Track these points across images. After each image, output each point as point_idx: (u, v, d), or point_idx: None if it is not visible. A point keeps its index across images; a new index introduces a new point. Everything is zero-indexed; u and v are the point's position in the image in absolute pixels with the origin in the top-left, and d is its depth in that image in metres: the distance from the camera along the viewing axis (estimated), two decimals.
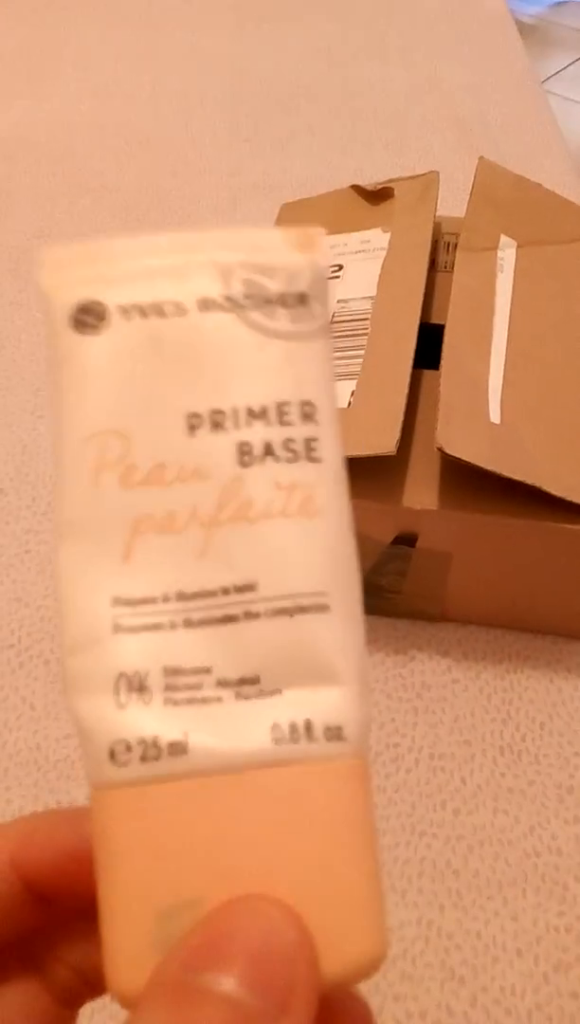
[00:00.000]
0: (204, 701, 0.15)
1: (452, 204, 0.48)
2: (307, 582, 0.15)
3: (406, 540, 0.37)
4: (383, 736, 0.38)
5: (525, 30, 0.92)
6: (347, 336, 0.40)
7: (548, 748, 0.37)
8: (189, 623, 0.15)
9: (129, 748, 0.14)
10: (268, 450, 0.15)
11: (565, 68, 1.12)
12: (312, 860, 0.14)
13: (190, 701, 0.15)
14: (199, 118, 0.77)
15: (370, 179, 0.49)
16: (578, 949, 0.32)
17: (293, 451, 0.15)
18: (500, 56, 0.85)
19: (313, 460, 0.15)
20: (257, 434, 0.15)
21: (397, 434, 0.34)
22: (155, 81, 0.81)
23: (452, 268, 0.43)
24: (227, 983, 0.12)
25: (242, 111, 0.77)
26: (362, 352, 0.39)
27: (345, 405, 0.37)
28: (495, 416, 0.36)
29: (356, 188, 0.49)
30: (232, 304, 0.16)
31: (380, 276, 0.43)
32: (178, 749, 0.14)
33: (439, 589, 0.39)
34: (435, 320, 0.42)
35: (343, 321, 0.41)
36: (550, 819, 0.35)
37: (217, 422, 0.15)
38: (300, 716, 0.15)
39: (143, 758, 0.14)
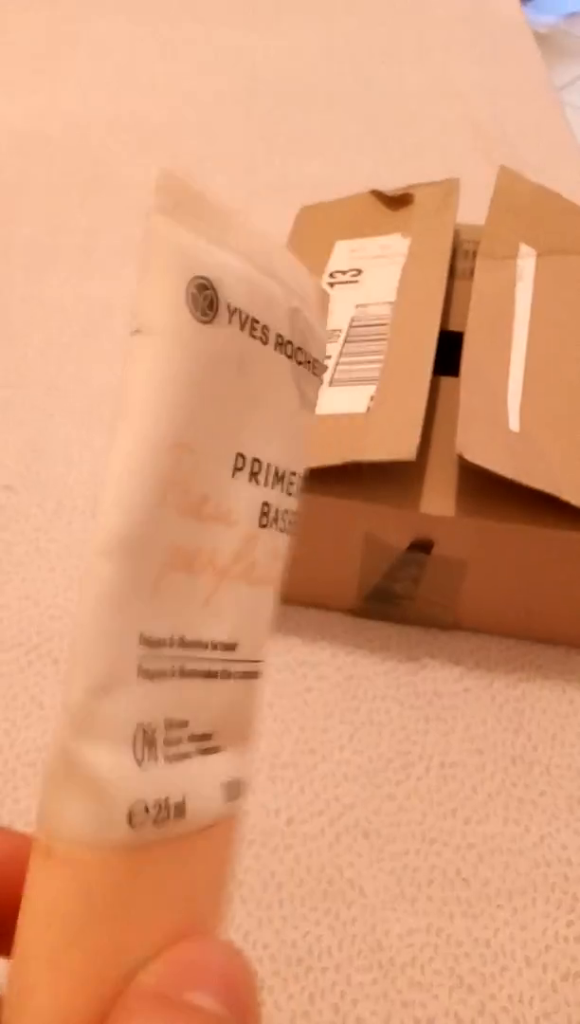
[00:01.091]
0: (185, 756, 0.14)
1: (467, 209, 0.47)
2: (262, 650, 0.16)
3: (422, 546, 0.37)
4: (394, 743, 0.38)
5: (538, 40, 0.92)
6: (366, 341, 0.40)
7: (559, 759, 0.37)
8: (183, 673, 0.14)
9: (147, 810, 0.13)
10: (276, 516, 0.16)
11: (579, 78, 1.12)
12: (207, 909, 0.15)
13: (177, 757, 0.14)
14: (214, 115, 0.76)
15: (385, 181, 0.49)
16: None
17: (288, 523, 0.16)
18: (516, 63, 0.85)
19: (290, 533, 0.16)
20: (275, 498, 0.15)
21: (417, 440, 0.34)
22: (170, 76, 0.81)
23: (470, 275, 0.43)
24: (208, 1001, 0.13)
25: (257, 109, 0.77)
26: (381, 357, 0.39)
27: (363, 410, 0.37)
28: (514, 424, 0.36)
29: (376, 193, 0.48)
30: (292, 354, 0.15)
31: (400, 282, 0.42)
32: (180, 811, 0.14)
33: (453, 597, 0.39)
34: (453, 327, 0.42)
35: (362, 326, 0.41)
36: (560, 830, 0.35)
37: (254, 472, 0.15)
38: (235, 774, 0.15)
39: (156, 821, 0.13)
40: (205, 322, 0.13)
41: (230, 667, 0.15)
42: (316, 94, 0.79)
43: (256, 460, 0.15)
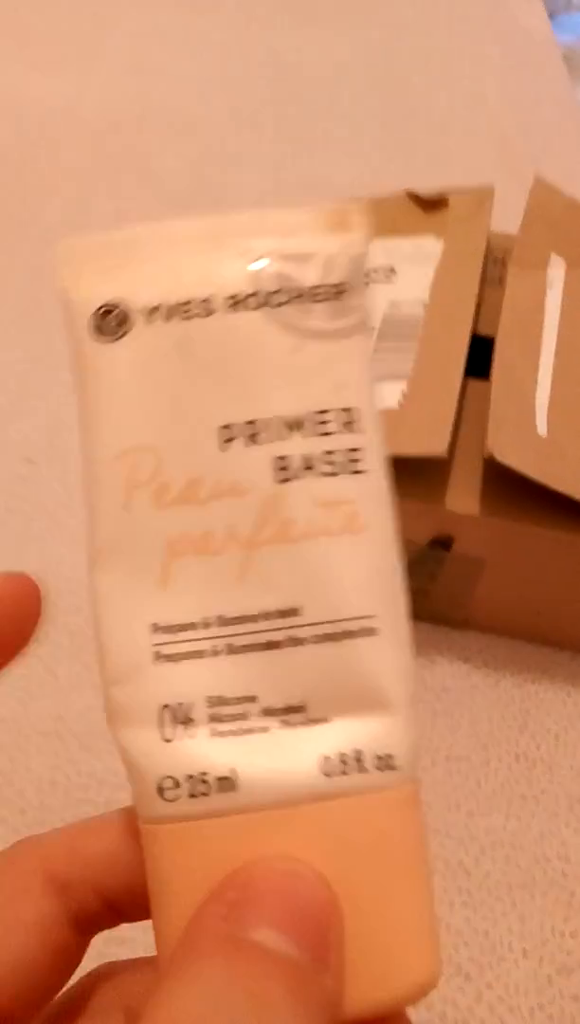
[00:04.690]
0: (250, 731, 0.14)
1: (492, 218, 0.48)
2: (354, 605, 0.14)
3: (442, 543, 0.38)
4: None
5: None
6: (399, 338, 0.41)
7: (562, 759, 0.38)
8: (232, 649, 0.14)
9: (177, 784, 0.14)
10: (308, 464, 0.14)
11: None
12: (364, 890, 0.14)
13: (236, 732, 0.14)
14: (244, 109, 0.77)
15: (411, 186, 0.50)
16: None
17: (334, 464, 0.14)
18: (543, 78, 0.86)
19: (356, 472, 0.14)
20: (295, 447, 0.14)
21: (448, 436, 0.35)
22: (201, 68, 0.81)
23: (499, 281, 0.44)
24: (275, 938, 0.12)
25: (286, 107, 0.78)
26: (413, 355, 0.39)
27: (395, 405, 0.37)
28: (542, 428, 0.37)
29: (411, 194, 0.49)
30: (263, 301, 0.14)
31: (433, 283, 0.43)
32: (227, 785, 0.14)
33: (466, 595, 0.40)
34: (481, 331, 0.43)
35: (394, 323, 0.42)
36: (560, 827, 0.36)
37: (252, 434, 0.14)
38: (350, 746, 0.14)
39: (192, 794, 0.14)
40: (114, 340, 0.14)
41: (297, 632, 0.14)
42: (345, 98, 0.80)
43: (250, 423, 0.14)
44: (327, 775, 0.14)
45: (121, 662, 0.14)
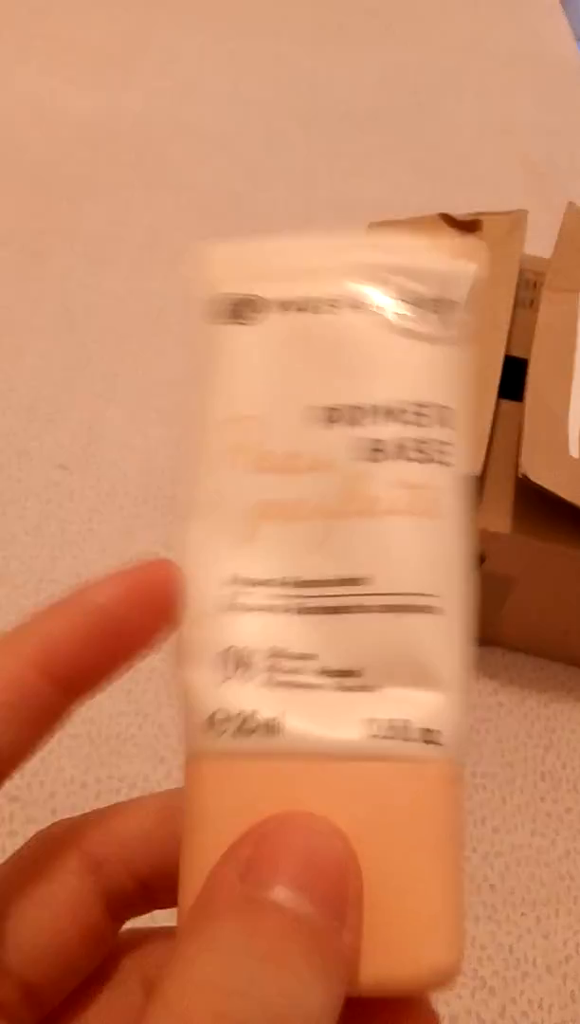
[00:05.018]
0: (304, 686, 0.15)
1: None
2: (420, 582, 0.15)
3: None
4: None
5: None
6: None
7: None
8: (302, 609, 0.15)
9: (228, 719, 0.15)
10: (401, 448, 0.15)
11: None
12: (393, 860, 0.14)
13: (290, 684, 0.15)
14: (276, 128, 0.78)
15: (439, 209, 0.51)
16: None
17: (425, 452, 0.15)
18: (571, 104, 0.87)
19: (444, 463, 0.15)
20: (392, 432, 0.15)
21: (482, 456, 0.35)
22: (235, 86, 0.83)
23: (531, 304, 0.45)
24: (290, 897, 0.12)
25: (318, 125, 0.79)
26: None
27: None
28: (574, 450, 0.37)
29: (445, 216, 0.50)
30: (383, 305, 0.16)
31: None
32: (273, 728, 0.14)
33: (495, 613, 0.41)
34: (513, 353, 0.43)
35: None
36: None
37: (354, 418, 0.16)
38: (398, 715, 0.15)
39: (238, 730, 0.14)
40: (248, 323, 0.16)
41: (365, 601, 0.15)
42: (376, 120, 0.81)
43: (355, 407, 0.16)
44: (372, 737, 0.14)
45: (199, 605, 0.15)
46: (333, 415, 0.16)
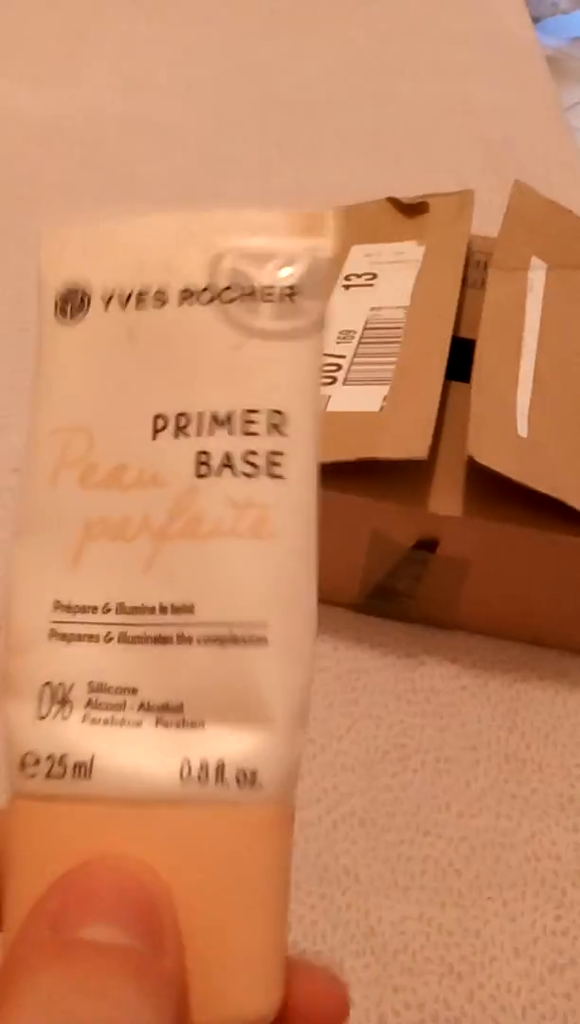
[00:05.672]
0: (123, 723, 0.14)
1: (476, 222, 0.49)
2: (246, 610, 0.14)
3: (427, 545, 0.38)
4: (391, 736, 0.38)
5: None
6: (380, 343, 0.41)
7: (551, 758, 0.38)
8: (124, 638, 0.14)
9: (37, 762, 0.14)
10: (227, 462, 0.14)
11: None
12: (209, 905, 0.13)
13: (108, 721, 0.14)
14: (231, 119, 0.77)
15: (396, 192, 0.50)
16: (573, 952, 0.33)
17: (253, 465, 0.14)
18: (528, 83, 0.87)
19: (274, 477, 0.14)
20: (218, 443, 0.14)
21: (429, 439, 0.35)
22: (187, 80, 0.82)
23: (481, 284, 0.44)
24: (104, 931, 0.12)
25: (273, 116, 0.78)
26: (394, 359, 0.40)
27: (377, 409, 0.38)
28: (523, 430, 0.37)
29: (392, 200, 0.50)
30: (214, 296, 0.15)
31: (414, 287, 0.43)
32: (82, 771, 0.14)
33: (453, 597, 0.40)
34: (462, 333, 0.43)
35: (375, 328, 0.42)
36: (551, 826, 0.36)
37: (181, 426, 0.14)
38: (214, 755, 0.14)
39: (48, 774, 0.14)
40: (71, 322, 0.15)
41: (187, 631, 0.14)
42: (330, 105, 0.81)
43: (182, 414, 0.14)
44: (182, 781, 0.14)
45: (20, 634, 0.15)
46: (159, 424, 0.15)
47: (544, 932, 0.34)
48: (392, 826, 0.36)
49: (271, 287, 0.15)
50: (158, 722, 0.14)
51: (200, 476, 0.14)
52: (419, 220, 0.48)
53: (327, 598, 0.42)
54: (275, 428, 0.14)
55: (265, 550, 0.14)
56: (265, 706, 0.14)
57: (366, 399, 0.38)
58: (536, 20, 1.00)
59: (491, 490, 0.36)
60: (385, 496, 0.37)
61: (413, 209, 0.49)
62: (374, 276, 0.45)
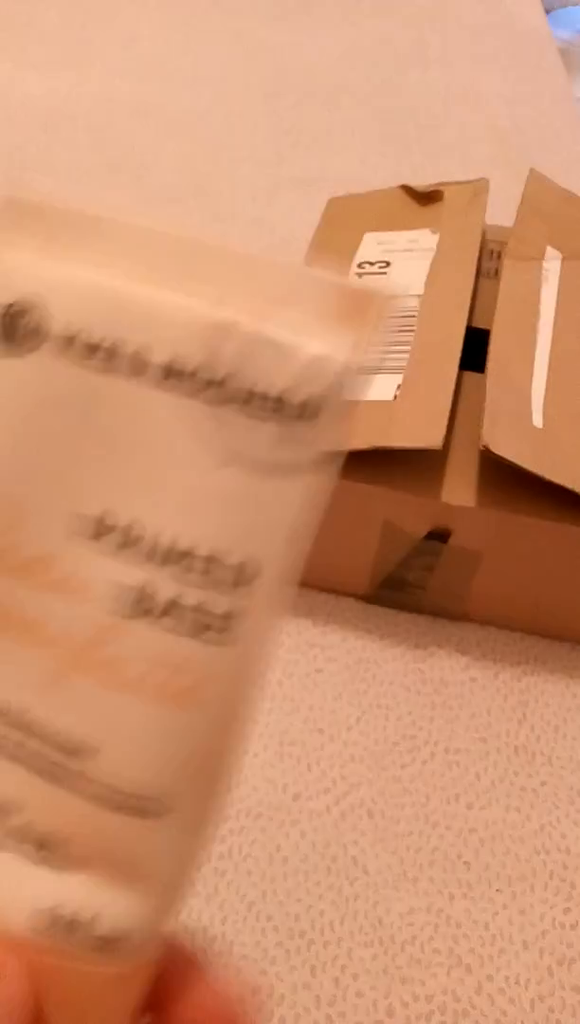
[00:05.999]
0: (1, 848, 0.13)
1: (487, 212, 0.48)
2: (146, 781, 0.12)
3: (439, 536, 0.38)
4: (401, 727, 0.38)
5: None
6: (394, 331, 0.41)
7: (561, 751, 0.38)
8: (16, 756, 0.13)
9: None
10: (169, 610, 0.12)
11: None
12: None
13: None
14: (240, 106, 0.77)
15: (407, 180, 0.50)
16: None
17: (202, 624, 0.12)
18: (539, 73, 0.86)
19: (221, 644, 0.12)
20: (167, 582, 0.12)
21: (443, 429, 0.35)
22: (196, 65, 0.81)
23: (495, 274, 0.44)
24: None
25: (282, 103, 0.78)
26: (408, 348, 0.39)
27: (390, 398, 0.37)
28: (538, 420, 0.37)
29: (406, 188, 0.49)
30: (206, 386, 0.11)
31: (428, 276, 0.43)
32: None
33: (464, 588, 0.40)
34: (477, 324, 0.43)
35: (390, 317, 0.42)
36: (560, 819, 0.36)
37: (126, 543, 0.12)
38: (72, 906, 0.13)
39: None
40: (18, 353, 0.11)
41: (78, 783, 0.13)
42: (342, 93, 0.80)
43: (133, 526, 0.12)
44: (33, 925, 0.13)
45: None
46: (103, 529, 0.12)
47: (553, 925, 0.33)
48: (401, 817, 0.36)
49: (282, 399, 0.11)
50: (36, 856, 0.13)
51: (135, 616, 0.12)
52: (433, 208, 0.48)
53: (336, 588, 0.42)
54: (240, 582, 0.12)
55: (186, 722, 0.12)
56: (141, 872, 0.13)
57: (380, 388, 0.38)
58: (548, 11, 0.99)
59: (505, 481, 0.36)
60: (398, 485, 0.37)
61: (427, 197, 0.48)
62: (387, 264, 0.45)
